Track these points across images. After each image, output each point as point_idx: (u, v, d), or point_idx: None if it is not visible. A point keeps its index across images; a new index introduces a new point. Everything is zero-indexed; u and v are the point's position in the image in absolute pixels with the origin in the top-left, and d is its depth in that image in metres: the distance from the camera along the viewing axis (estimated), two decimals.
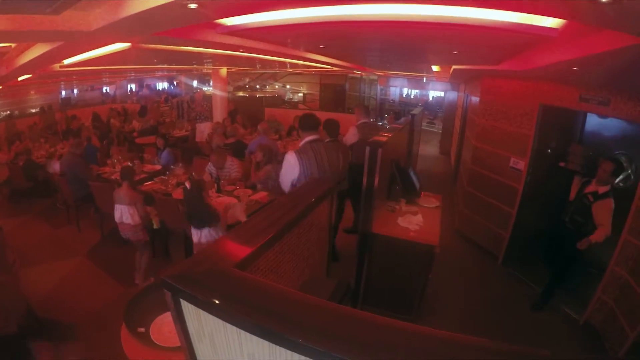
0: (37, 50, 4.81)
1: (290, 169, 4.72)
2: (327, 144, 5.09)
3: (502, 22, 2.99)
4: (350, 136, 7.22)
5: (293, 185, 4.72)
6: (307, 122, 4.95)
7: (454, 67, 8.21)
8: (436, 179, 12.06)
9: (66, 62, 7.15)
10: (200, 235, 5.02)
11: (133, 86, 25.88)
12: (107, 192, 7.09)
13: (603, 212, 4.80)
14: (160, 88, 26.04)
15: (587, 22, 2.39)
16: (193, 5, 2.62)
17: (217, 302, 1.52)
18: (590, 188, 5.08)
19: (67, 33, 3.38)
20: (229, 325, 1.46)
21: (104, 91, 25.88)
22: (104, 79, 22.30)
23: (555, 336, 5.29)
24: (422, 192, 5.91)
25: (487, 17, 2.98)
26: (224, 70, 13.31)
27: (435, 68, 10.00)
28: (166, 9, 2.65)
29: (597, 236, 4.70)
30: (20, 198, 10.30)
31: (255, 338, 1.38)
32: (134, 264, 6.16)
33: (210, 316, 1.52)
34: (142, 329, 2.94)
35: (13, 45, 4.77)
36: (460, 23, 3.06)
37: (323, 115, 11.84)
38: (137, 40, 5.15)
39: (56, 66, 7.60)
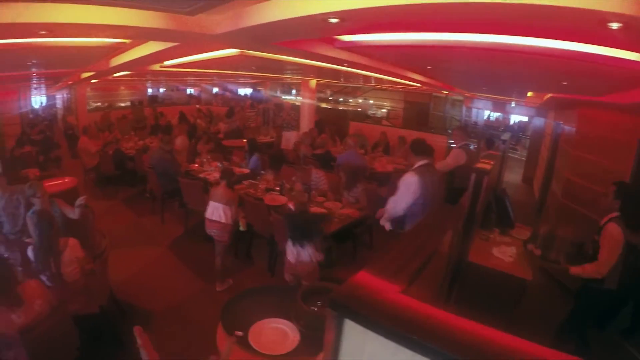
0: (146, 50, 4.96)
1: (409, 192, 4.60)
2: (432, 169, 4.96)
3: (628, 60, 2.92)
4: (454, 158, 6.88)
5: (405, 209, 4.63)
6: (420, 146, 4.87)
7: (551, 95, 7.97)
8: (518, 208, 11.61)
9: (167, 62, 7.39)
10: (297, 255, 4.87)
11: (216, 89, 26.49)
12: (195, 189, 7.34)
13: None
14: (243, 93, 26.52)
15: None
16: (334, 20, 2.65)
17: (387, 323, 1.51)
18: None
19: (190, 34, 3.49)
20: (392, 345, 1.45)
21: (188, 92, 26.71)
22: (188, 81, 22.96)
23: None
24: (516, 224, 5.71)
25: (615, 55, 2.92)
26: (313, 82, 13.45)
27: (529, 94, 9.76)
28: (304, 22, 2.69)
29: None
30: (106, 184, 10.84)
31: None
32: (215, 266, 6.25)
33: (375, 337, 1.51)
34: (241, 333, 2.94)
35: (128, 41, 4.91)
36: (587, 57, 2.99)
37: (408, 134, 11.82)
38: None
39: (156, 66, 7.85)
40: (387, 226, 5.03)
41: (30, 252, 4.21)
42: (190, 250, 7.30)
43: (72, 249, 4.26)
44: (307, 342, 2.98)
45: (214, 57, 6.18)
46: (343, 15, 2.69)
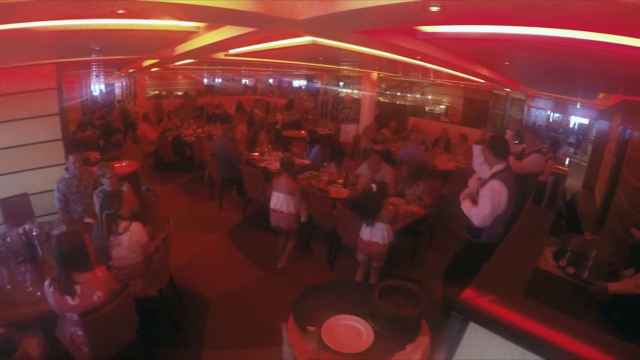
0: (218, 36, 4.88)
1: (500, 200, 4.23)
2: (510, 173, 4.53)
3: None
4: (533, 164, 6.26)
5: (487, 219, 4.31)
6: (502, 147, 4.48)
7: (623, 97, 7.60)
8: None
9: (232, 51, 7.35)
10: (371, 234, 5.00)
11: (271, 80, 26.64)
12: (256, 178, 7.33)
13: None
14: (297, 85, 26.57)
15: None
16: (434, 9, 2.57)
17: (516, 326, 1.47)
18: None
19: (273, 19, 3.38)
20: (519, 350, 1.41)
21: (242, 83, 26.92)
22: (243, 72, 23.14)
23: None
24: (585, 232, 5.44)
25: None
26: (374, 74, 13.23)
27: (600, 95, 9.37)
28: (403, 8, 2.59)
29: None
30: (164, 169, 11.17)
31: None
32: (277, 251, 6.29)
33: (501, 340, 1.46)
34: (313, 328, 2.87)
35: (201, 25, 4.86)
36: None
37: (468, 132, 11.55)
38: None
39: (221, 54, 7.83)
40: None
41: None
42: (248, 238, 7.30)
43: (134, 233, 4.28)
44: (381, 341, 2.87)
45: (282, 46, 6.11)
46: (445, 3, 2.57)
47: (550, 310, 1.66)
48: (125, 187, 5.33)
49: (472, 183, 4.73)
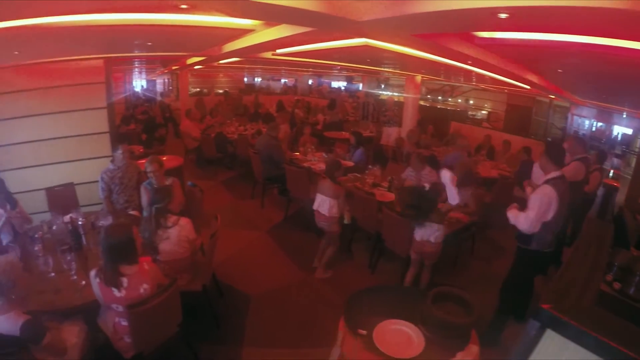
0: (272, 35, 4.86)
1: (548, 206, 4.12)
2: (564, 181, 4.36)
3: None
4: (573, 172, 5.97)
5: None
6: (560, 154, 4.37)
7: None
8: None
9: (279, 51, 7.35)
10: (423, 234, 5.01)
11: (311, 81, 26.71)
12: (300, 178, 7.34)
13: None
14: (336, 86, 26.56)
15: None
16: (503, 15, 2.59)
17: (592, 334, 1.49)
18: None
19: (334, 19, 3.35)
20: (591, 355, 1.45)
21: (282, 82, 27.05)
22: (282, 72, 23.26)
23: None
24: (632, 248, 5.24)
25: None
26: (418, 77, 13.07)
27: None
28: (470, 14, 2.60)
29: None
30: (206, 165, 11.27)
31: None
32: (316, 250, 6.22)
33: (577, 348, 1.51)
34: (364, 332, 2.83)
35: (258, 23, 4.83)
36: None
37: (511, 139, 11.29)
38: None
39: (268, 53, 7.85)
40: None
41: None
42: (290, 237, 7.29)
43: (183, 227, 4.31)
44: (432, 348, 2.82)
45: (331, 47, 6.08)
46: (514, 11, 2.58)
47: (622, 321, 1.67)
48: (170, 182, 5.35)
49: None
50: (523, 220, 4.21)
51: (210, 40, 6.28)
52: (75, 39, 5.04)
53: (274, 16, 3.81)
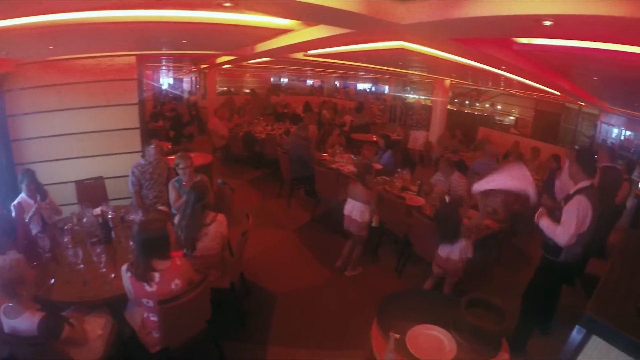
0: (310, 35, 4.83)
1: (585, 218, 3.97)
2: (595, 191, 4.18)
3: None
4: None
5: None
6: (592, 163, 4.22)
7: None
8: None
9: (311, 52, 7.34)
10: (449, 251, 4.87)
11: (337, 83, 26.72)
12: (329, 179, 7.37)
13: None
14: (362, 88, 26.51)
15: None
16: (548, 23, 2.61)
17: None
18: None
19: (376, 22, 3.35)
20: None
21: (307, 83, 27.13)
22: (308, 72, 23.28)
23: None
24: None
25: None
26: (447, 81, 13.01)
27: None
28: (514, 20, 2.65)
29: None
30: (233, 163, 11.40)
31: None
32: (340, 251, 6.21)
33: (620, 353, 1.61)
34: (397, 335, 2.78)
35: (296, 23, 4.79)
36: None
37: (539, 146, 11.10)
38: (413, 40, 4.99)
39: (300, 54, 7.84)
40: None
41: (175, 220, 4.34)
42: (317, 238, 7.29)
43: (221, 224, 4.34)
44: (463, 354, 2.80)
45: (364, 49, 6.03)
46: (559, 19, 2.59)
47: None
48: (199, 179, 5.36)
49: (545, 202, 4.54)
50: (560, 234, 4.05)
51: (244, 39, 6.30)
52: (111, 36, 5.10)
53: (315, 16, 3.78)
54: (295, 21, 4.55)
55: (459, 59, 5.80)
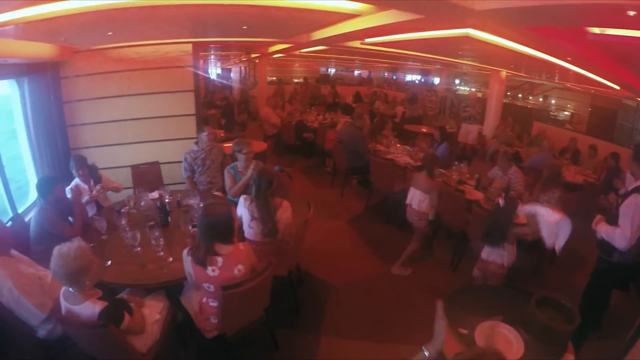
0: (376, 21, 4.73)
1: None
2: None
3: None
4: None
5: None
6: None
7: None
8: None
9: (368, 40, 7.22)
10: (490, 253, 4.59)
11: (386, 74, 26.51)
12: (385, 169, 7.33)
13: None
14: (411, 79, 26.20)
15: None
16: (632, 13, 2.51)
17: None
18: None
19: (450, 7, 3.27)
20: None
21: (355, 74, 27.02)
22: (356, 63, 23.16)
23: None
24: None
25: None
26: (503, 73, 12.64)
27: None
28: (597, 9, 2.60)
29: None
30: (284, 152, 11.55)
31: None
32: (397, 243, 6.23)
33: None
34: (465, 331, 2.78)
35: (365, 7, 4.66)
36: None
37: (597, 144, 10.67)
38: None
39: (356, 43, 7.76)
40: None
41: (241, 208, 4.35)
42: (370, 229, 7.24)
43: (286, 210, 4.39)
44: (531, 354, 2.73)
45: (427, 37, 5.84)
46: None
47: None
48: (254, 166, 5.35)
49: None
50: (619, 237, 3.86)
51: (304, 26, 6.26)
52: (169, 22, 5.12)
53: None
54: (365, 6, 4.41)
55: (525, 49, 5.60)
